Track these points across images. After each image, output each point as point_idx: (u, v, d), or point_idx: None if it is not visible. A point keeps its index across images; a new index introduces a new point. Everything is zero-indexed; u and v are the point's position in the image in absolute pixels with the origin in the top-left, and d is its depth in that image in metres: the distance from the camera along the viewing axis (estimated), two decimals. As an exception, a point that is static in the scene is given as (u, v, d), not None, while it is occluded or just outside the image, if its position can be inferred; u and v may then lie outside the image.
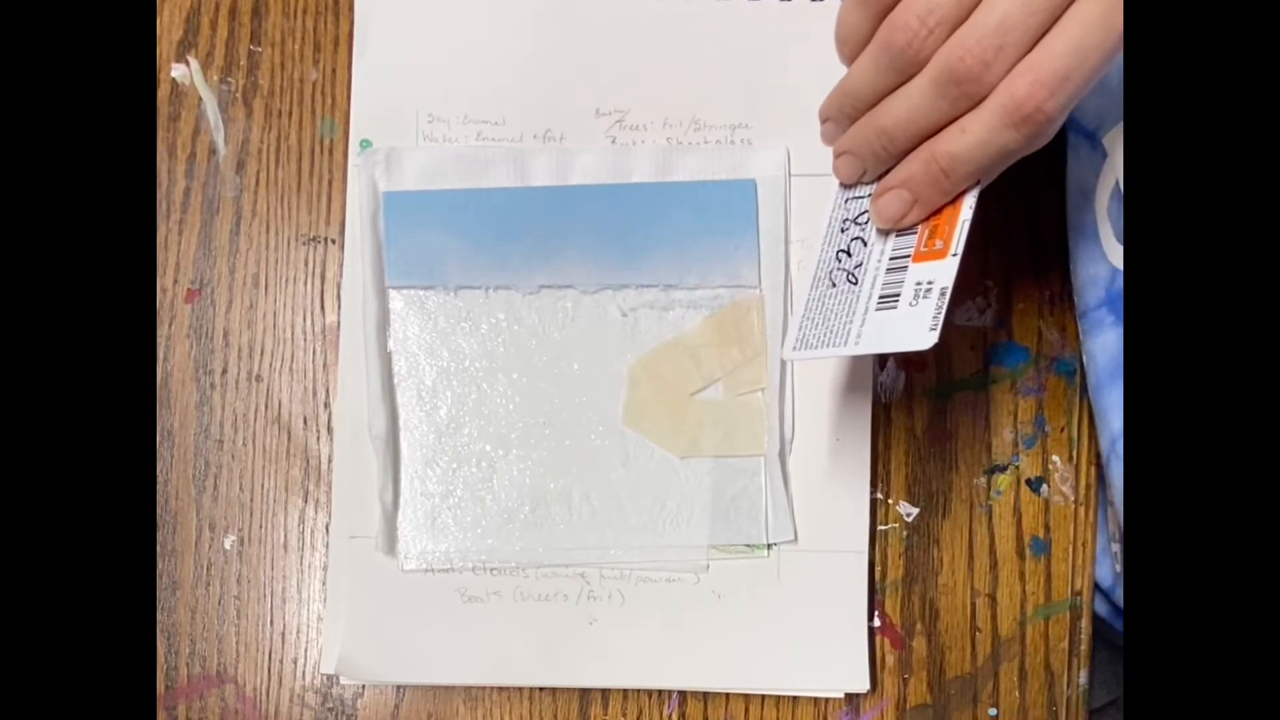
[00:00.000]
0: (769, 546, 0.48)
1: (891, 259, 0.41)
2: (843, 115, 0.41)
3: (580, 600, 0.48)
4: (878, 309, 0.40)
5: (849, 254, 0.42)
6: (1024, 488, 0.49)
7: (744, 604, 0.48)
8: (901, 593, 0.49)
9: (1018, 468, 0.49)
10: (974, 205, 0.39)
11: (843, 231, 0.43)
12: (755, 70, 0.50)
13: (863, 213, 0.42)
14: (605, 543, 0.48)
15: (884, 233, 0.42)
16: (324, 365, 0.50)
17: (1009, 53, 0.35)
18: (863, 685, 0.48)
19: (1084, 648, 0.49)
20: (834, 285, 0.42)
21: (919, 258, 0.40)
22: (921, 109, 0.37)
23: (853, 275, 0.42)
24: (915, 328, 0.38)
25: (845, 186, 0.43)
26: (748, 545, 0.48)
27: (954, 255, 0.39)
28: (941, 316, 0.38)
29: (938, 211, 0.40)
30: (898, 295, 0.40)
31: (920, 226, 0.41)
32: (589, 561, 0.48)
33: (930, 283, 0.39)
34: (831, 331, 0.41)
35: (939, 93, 0.37)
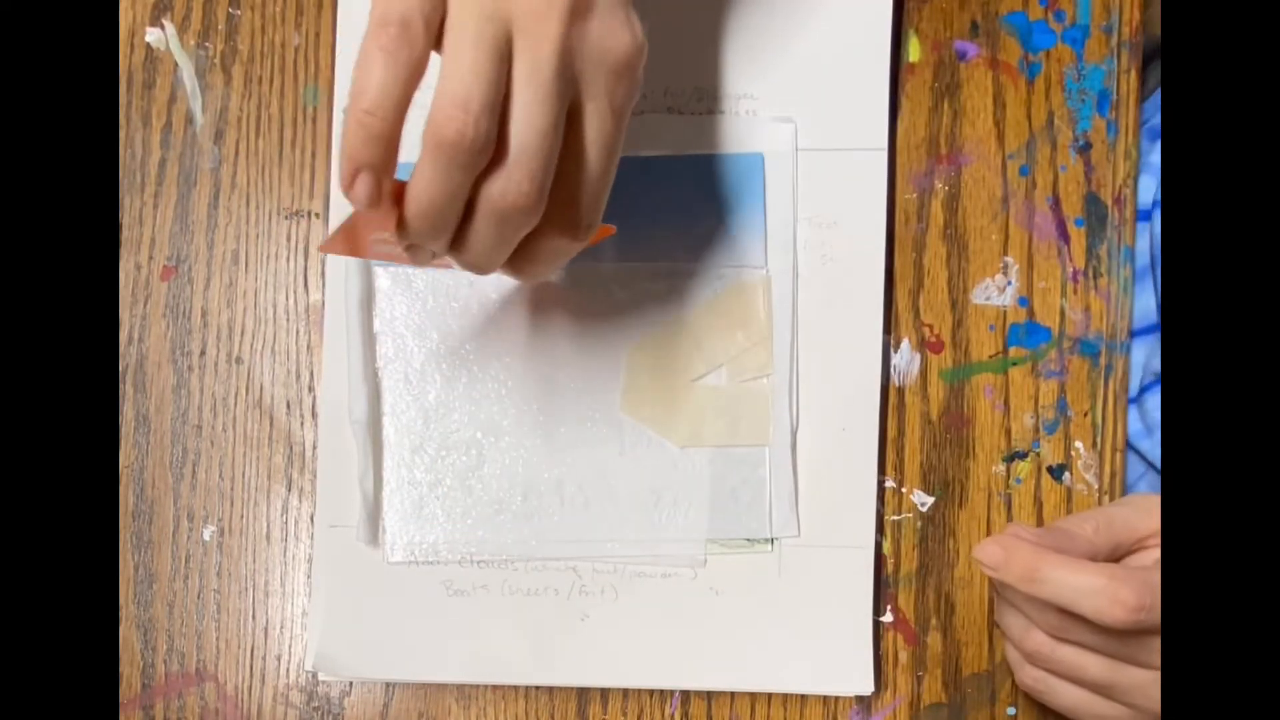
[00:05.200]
0: (771, 541, 0.47)
1: None
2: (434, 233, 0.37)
3: (571, 595, 0.47)
4: None
5: None
6: (1045, 475, 0.48)
7: (743, 601, 0.47)
8: (915, 586, 0.48)
9: (1039, 454, 0.48)
10: None
11: None
12: (761, 37, 0.48)
13: None
14: (599, 535, 0.47)
15: None
16: (308, 346, 0.48)
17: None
18: (867, 688, 0.47)
19: (1108, 645, 0.47)
20: None
21: None
22: None
23: None
24: None
25: None
26: (748, 540, 0.47)
27: None
28: None
29: None
30: None
31: None
32: (582, 555, 0.47)
33: None
34: None
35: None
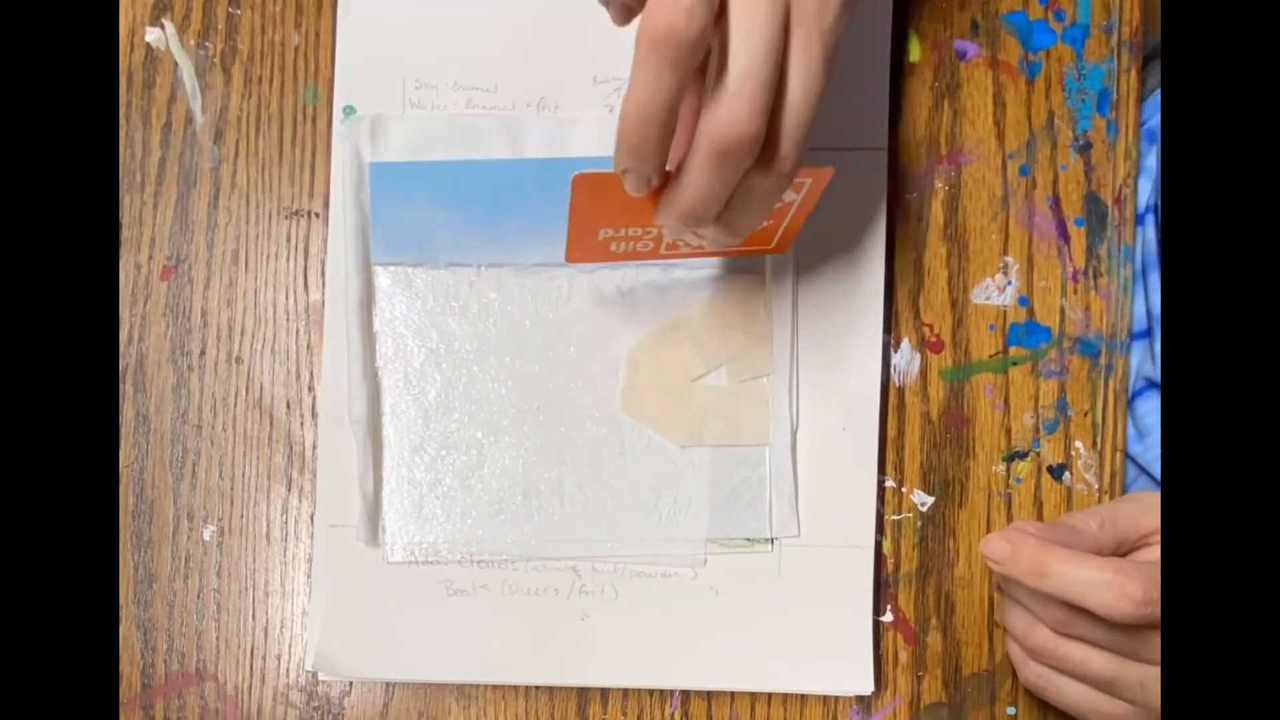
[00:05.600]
0: (771, 541, 0.46)
1: None
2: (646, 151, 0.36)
3: (571, 595, 0.47)
4: None
5: None
6: (1045, 475, 0.48)
7: (743, 601, 0.47)
8: (915, 586, 0.47)
9: (1039, 454, 0.48)
10: None
11: None
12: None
13: None
14: (599, 535, 0.47)
15: None
16: (307, 346, 0.48)
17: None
18: (867, 688, 0.46)
19: (1108, 645, 0.47)
20: None
21: None
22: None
23: None
24: None
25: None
26: (748, 539, 0.47)
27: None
28: None
29: None
30: None
31: None
32: (582, 555, 0.47)
33: None
34: None
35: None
